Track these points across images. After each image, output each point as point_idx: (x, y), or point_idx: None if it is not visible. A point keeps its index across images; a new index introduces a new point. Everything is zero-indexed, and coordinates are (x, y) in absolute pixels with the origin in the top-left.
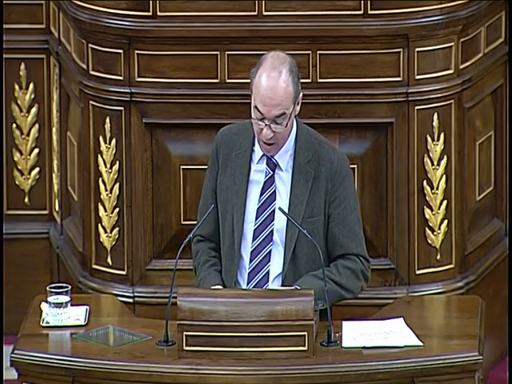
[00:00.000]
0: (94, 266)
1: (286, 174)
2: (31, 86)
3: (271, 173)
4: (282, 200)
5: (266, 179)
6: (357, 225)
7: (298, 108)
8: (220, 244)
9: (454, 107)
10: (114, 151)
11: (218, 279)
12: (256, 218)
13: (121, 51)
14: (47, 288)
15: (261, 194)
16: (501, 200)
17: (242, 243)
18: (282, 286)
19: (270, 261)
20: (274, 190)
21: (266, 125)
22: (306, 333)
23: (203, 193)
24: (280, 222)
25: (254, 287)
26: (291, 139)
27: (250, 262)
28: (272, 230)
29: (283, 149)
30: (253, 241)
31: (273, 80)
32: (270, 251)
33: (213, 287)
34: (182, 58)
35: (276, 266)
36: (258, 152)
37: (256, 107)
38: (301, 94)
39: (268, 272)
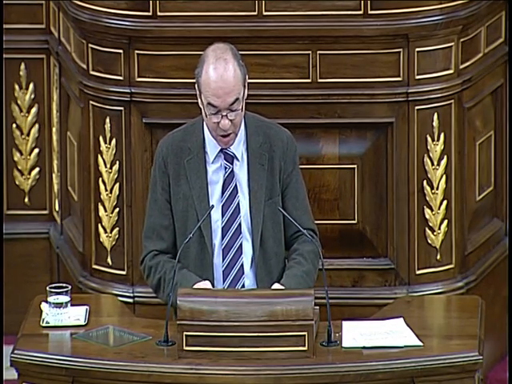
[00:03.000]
0: (94, 266)
1: (243, 164)
2: (31, 85)
3: (230, 167)
4: (244, 190)
5: (226, 175)
6: (306, 197)
7: (246, 92)
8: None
9: (454, 107)
10: (114, 151)
11: (196, 277)
12: (222, 216)
13: (121, 51)
14: (47, 288)
15: (223, 192)
16: (501, 200)
17: (213, 243)
18: (256, 273)
19: (242, 253)
20: (236, 184)
21: (222, 116)
22: (306, 333)
23: (152, 208)
24: (245, 213)
25: (230, 283)
26: (241, 128)
27: (223, 259)
28: (240, 223)
29: (236, 139)
30: (222, 238)
31: (221, 69)
32: (240, 244)
33: (202, 282)
34: (181, 58)
35: (248, 256)
36: (211, 151)
37: (209, 103)
38: (247, 76)
39: (242, 264)
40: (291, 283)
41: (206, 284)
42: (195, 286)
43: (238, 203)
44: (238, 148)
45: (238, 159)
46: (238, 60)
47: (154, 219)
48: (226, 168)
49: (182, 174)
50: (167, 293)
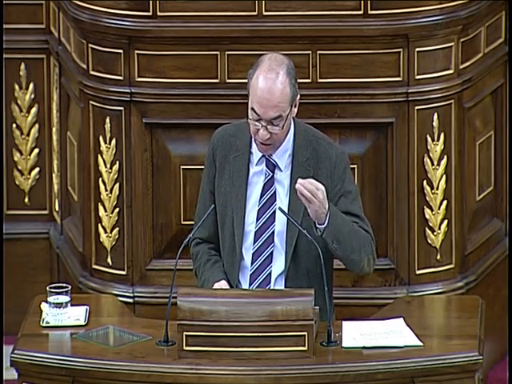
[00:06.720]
0: (94, 266)
1: (285, 174)
2: (31, 85)
3: (271, 174)
4: (282, 200)
5: (266, 181)
6: (361, 212)
7: (295, 110)
8: (219, 246)
9: (454, 107)
10: (114, 151)
11: (222, 275)
12: (257, 220)
13: (121, 51)
14: (47, 288)
15: (261, 196)
16: (501, 200)
17: (243, 245)
18: (285, 285)
19: (271, 262)
20: (274, 192)
21: (262, 126)
22: (306, 333)
23: (201, 196)
24: (280, 223)
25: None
26: (289, 139)
27: (252, 263)
28: (273, 232)
29: (282, 149)
30: (254, 242)
31: (270, 81)
32: (271, 252)
33: (218, 283)
34: (181, 58)
35: (278, 266)
36: (256, 154)
37: (252, 108)
38: (298, 97)
39: (270, 273)
40: (338, 213)
41: (221, 284)
42: (214, 286)
43: (275, 211)
44: (282, 158)
45: (280, 169)
46: (291, 78)
47: (199, 206)
48: (266, 174)
49: (227, 169)
50: (199, 286)
